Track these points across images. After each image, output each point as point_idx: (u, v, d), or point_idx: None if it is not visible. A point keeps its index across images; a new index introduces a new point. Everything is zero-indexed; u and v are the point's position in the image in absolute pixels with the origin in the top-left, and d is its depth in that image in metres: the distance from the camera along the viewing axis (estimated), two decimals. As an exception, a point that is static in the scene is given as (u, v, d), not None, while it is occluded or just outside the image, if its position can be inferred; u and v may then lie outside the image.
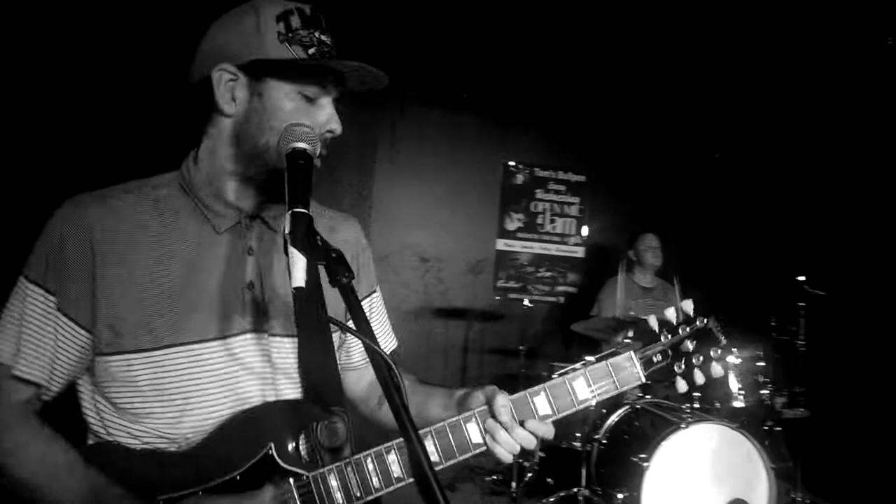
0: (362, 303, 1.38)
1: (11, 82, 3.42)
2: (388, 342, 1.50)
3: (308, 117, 1.16)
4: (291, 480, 1.11)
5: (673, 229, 4.89)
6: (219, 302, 1.18)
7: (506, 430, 1.15)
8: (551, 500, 3.71)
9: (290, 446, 1.14)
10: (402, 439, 1.12)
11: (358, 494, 1.11)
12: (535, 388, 1.20)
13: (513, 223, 5.22)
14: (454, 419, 1.16)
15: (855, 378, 4.24)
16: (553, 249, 5.34)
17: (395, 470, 1.12)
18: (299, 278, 0.88)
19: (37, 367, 1.14)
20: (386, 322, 1.52)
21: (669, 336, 1.28)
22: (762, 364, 3.73)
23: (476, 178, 5.12)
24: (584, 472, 3.65)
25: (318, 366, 1.23)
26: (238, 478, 1.11)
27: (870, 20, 3.96)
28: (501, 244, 5.20)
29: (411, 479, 1.11)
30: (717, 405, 3.56)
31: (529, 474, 4.14)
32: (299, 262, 0.89)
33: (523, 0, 4.65)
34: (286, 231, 0.91)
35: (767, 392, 3.68)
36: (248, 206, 1.23)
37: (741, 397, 3.57)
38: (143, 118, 3.47)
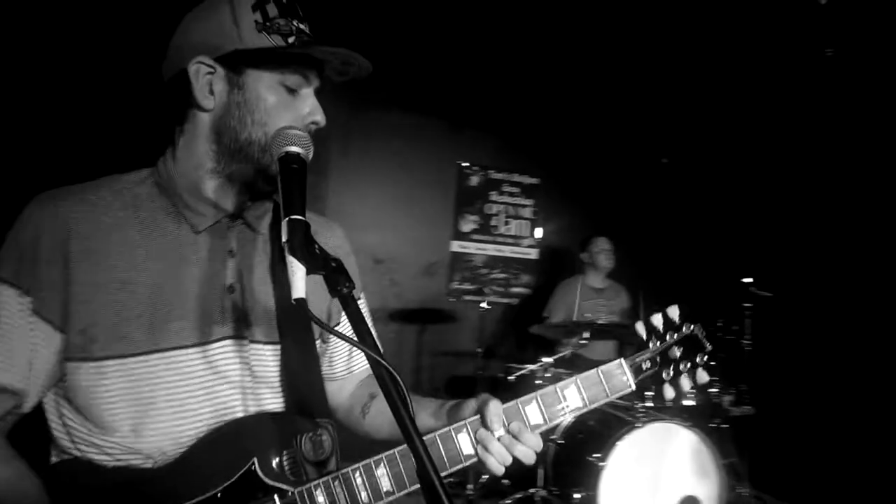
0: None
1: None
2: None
3: (291, 109, 1.13)
4: (276, 497, 1.06)
5: (623, 232, 5.00)
6: (197, 306, 1.12)
7: (498, 440, 1.13)
8: (508, 501, 3.72)
9: (274, 461, 1.08)
10: (391, 451, 1.09)
11: None
12: (527, 396, 1.18)
13: (467, 225, 5.23)
14: (445, 430, 1.13)
15: (798, 376, 4.42)
16: (507, 251, 5.38)
17: (385, 484, 1.08)
18: (300, 289, 0.85)
19: (13, 372, 1.06)
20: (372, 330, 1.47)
21: (658, 343, 1.28)
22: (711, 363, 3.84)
23: (431, 180, 5.11)
24: (540, 472, 3.67)
25: (301, 375, 1.19)
26: (219, 495, 1.05)
27: (810, 31, 4.13)
28: (456, 246, 5.20)
29: (401, 493, 1.08)
30: (669, 403, 3.64)
31: (485, 476, 4.14)
32: (299, 273, 0.85)
33: (478, 4, 4.65)
34: (283, 239, 0.87)
35: (716, 390, 3.80)
36: (229, 205, 1.17)
37: (692, 396, 3.67)
38: (116, 112, 3.33)
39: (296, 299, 0.84)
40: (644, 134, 5.57)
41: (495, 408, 1.13)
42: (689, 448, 3.29)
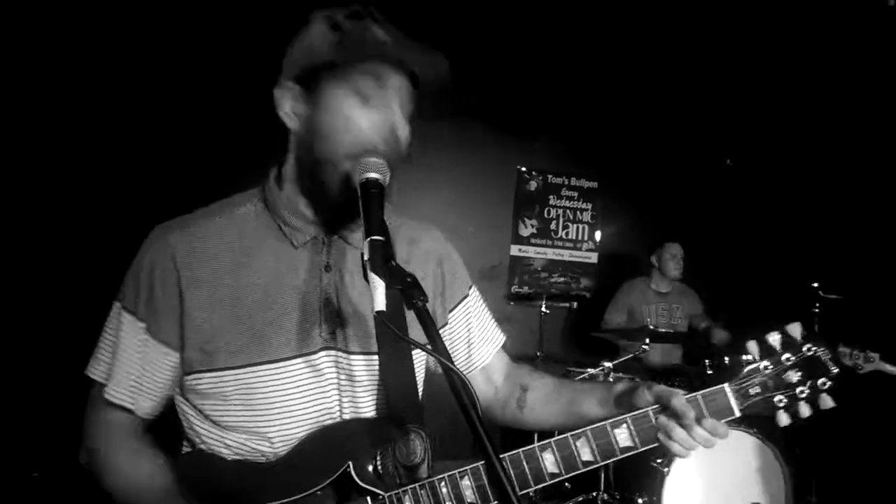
0: (458, 308, 1.44)
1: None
2: (495, 337, 1.52)
3: (366, 119, 1.15)
4: (368, 499, 1.16)
5: (684, 234, 4.93)
6: (298, 320, 1.22)
7: (685, 428, 1.16)
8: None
9: (368, 464, 1.17)
10: (476, 464, 1.16)
11: None
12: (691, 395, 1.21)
13: (527, 229, 5.28)
14: (600, 426, 1.19)
15: (871, 382, 4.28)
16: (566, 255, 5.40)
17: (469, 495, 1.15)
18: (381, 302, 0.93)
19: (123, 392, 1.23)
20: (490, 319, 1.52)
21: (771, 366, 1.20)
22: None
23: (490, 184, 5.17)
24: (602, 475, 3.69)
25: (396, 383, 1.26)
26: (318, 493, 1.15)
27: (881, 31, 4.02)
28: (515, 250, 5.26)
29: None
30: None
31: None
32: (380, 288, 0.93)
33: (533, 6, 4.69)
34: (365, 258, 0.97)
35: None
36: (325, 222, 1.26)
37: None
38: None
39: (376, 312, 0.93)
40: (707, 135, 5.48)
41: (679, 399, 1.17)
42: (754, 455, 3.27)
